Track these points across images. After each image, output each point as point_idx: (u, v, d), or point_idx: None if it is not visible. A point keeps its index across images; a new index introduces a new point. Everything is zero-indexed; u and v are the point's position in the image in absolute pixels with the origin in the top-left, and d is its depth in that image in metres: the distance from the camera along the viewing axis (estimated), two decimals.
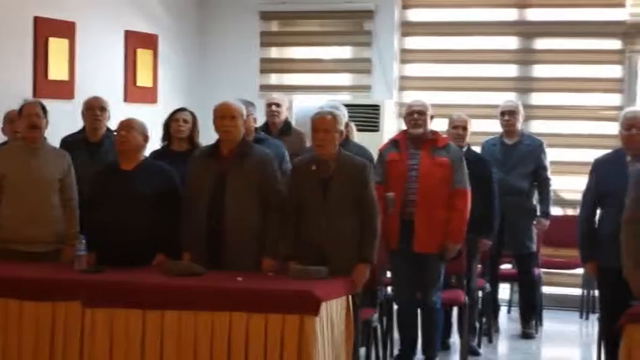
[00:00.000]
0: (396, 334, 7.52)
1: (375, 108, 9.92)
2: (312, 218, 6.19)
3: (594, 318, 8.06)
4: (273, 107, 8.33)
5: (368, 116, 9.82)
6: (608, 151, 6.81)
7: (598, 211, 6.52)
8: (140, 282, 5.79)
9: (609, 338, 6.21)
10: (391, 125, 9.96)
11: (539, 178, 8.63)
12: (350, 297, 5.99)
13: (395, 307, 7.45)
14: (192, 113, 7.44)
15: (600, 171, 6.47)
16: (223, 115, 6.29)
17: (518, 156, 8.56)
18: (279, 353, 5.44)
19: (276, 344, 5.45)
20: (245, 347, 5.48)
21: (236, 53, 10.63)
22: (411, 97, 8.98)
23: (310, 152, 6.53)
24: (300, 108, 9.82)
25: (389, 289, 7.41)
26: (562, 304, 9.82)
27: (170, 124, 7.37)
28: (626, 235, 5.80)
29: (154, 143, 7.27)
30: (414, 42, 10.55)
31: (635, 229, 5.76)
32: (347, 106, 7.87)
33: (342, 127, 6.41)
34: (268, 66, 10.76)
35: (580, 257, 6.71)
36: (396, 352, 7.46)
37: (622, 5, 9.86)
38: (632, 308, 5.44)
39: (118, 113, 7.47)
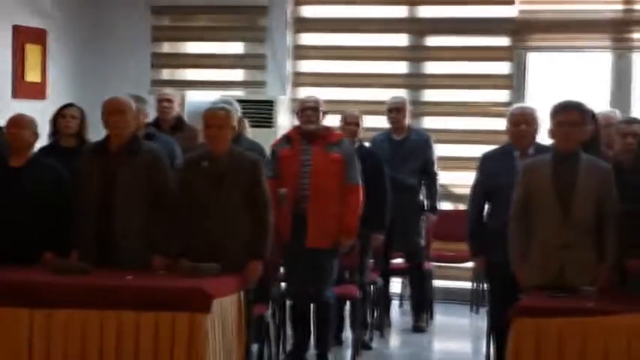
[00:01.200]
0: (289, 330, 7.53)
1: (269, 104, 9.94)
2: (204, 215, 6.13)
3: (484, 311, 8.14)
4: (165, 103, 8.27)
5: (262, 112, 9.82)
6: (497, 146, 6.89)
7: (486, 206, 6.60)
8: (27, 280, 5.67)
9: (498, 331, 6.30)
10: (285, 121, 9.98)
11: (427, 173, 8.72)
12: (242, 293, 5.97)
13: (288, 302, 7.46)
14: (80, 109, 7.31)
15: (488, 166, 6.51)
16: (112, 111, 6.18)
17: (407, 152, 8.62)
18: (169, 352, 5.39)
19: (166, 343, 5.39)
20: (135, 346, 5.41)
21: (127, 48, 10.51)
22: (305, 93, 9.00)
23: (203, 148, 6.49)
24: (192, 104, 9.75)
25: (282, 284, 7.41)
26: (453, 297, 9.95)
27: (57, 120, 7.24)
28: (514, 230, 5.87)
29: (44, 140, 7.15)
30: (307, 38, 10.59)
31: (521, 225, 5.85)
32: (240, 102, 7.88)
33: (235, 123, 6.40)
34: (160, 61, 10.68)
35: (469, 252, 6.79)
36: (289, 347, 7.47)
37: (511, 3, 10.03)
38: (519, 301, 5.52)
39: (6, 109, 7.34)
